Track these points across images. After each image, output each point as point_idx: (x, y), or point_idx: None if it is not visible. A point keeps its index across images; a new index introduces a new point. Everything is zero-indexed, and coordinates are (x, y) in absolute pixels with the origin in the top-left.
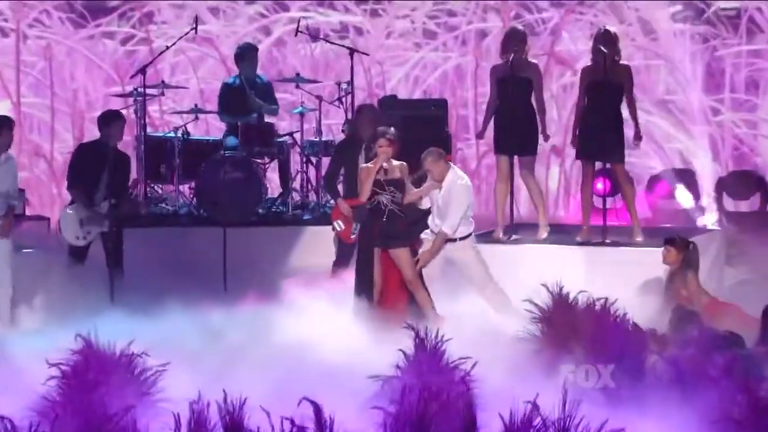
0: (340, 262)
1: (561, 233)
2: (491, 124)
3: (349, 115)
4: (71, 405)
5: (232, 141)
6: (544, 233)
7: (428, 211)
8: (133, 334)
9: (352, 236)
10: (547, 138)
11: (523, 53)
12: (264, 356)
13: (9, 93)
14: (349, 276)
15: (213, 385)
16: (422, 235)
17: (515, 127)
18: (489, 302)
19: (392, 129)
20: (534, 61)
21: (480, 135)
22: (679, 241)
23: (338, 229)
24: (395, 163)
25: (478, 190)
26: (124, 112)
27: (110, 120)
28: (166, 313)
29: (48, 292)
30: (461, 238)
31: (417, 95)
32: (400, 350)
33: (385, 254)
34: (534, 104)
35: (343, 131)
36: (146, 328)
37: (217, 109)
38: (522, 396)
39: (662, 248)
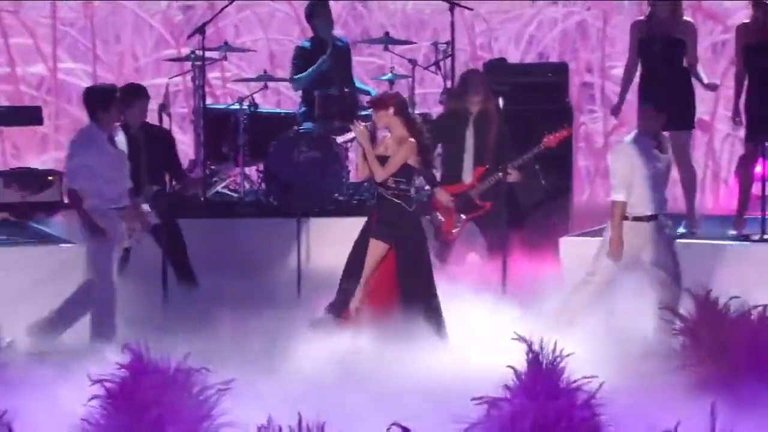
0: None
1: (709, 226)
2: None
3: (449, 83)
4: (117, 430)
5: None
6: (694, 226)
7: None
8: (189, 346)
9: (454, 230)
10: (714, 87)
11: (675, 9)
12: (345, 372)
13: (43, 56)
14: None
15: (285, 407)
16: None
17: (663, 97)
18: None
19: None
20: (688, 19)
21: (616, 109)
22: None
23: (437, 222)
24: (388, 135)
25: (601, 173)
26: (179, 79)
27: (132, 97)
28: (230, 321)
29: None
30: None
31: (531, 58)
32: (510, 367)
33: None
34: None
35: (441, 102)
36: (205, 339)
37: (290, 75)
38: (660, 424)
39: None
